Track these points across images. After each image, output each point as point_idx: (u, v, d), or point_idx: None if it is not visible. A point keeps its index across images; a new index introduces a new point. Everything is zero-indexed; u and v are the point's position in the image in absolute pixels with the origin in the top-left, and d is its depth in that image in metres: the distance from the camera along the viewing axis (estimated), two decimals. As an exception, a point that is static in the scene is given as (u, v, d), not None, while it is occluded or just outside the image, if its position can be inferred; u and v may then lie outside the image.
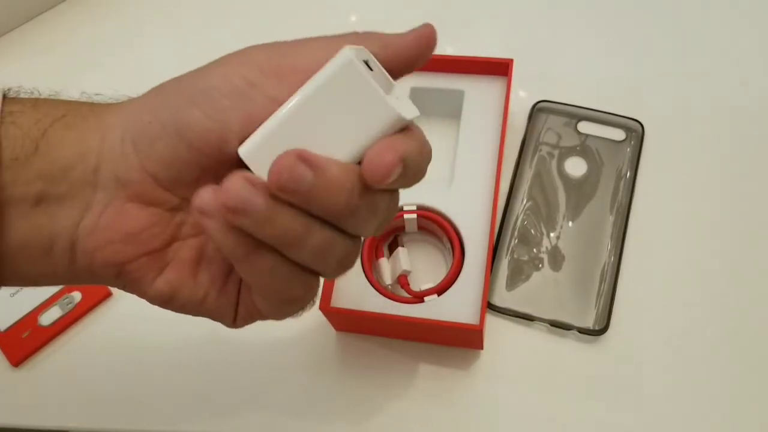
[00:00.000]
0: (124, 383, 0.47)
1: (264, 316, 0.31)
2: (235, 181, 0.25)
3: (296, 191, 0.25)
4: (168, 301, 0.30)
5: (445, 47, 0.57)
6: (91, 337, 0.48)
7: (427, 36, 0.30)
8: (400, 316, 0.43)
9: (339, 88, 0.26)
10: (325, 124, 0.26)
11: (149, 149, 0.28)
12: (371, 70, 0.27)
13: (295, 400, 0.46)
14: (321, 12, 0.60)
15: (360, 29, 0.30)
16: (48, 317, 0.48)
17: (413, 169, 0.27)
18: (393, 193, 0.29)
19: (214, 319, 0.31)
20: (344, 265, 0.30)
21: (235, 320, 0.31)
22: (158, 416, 0.46)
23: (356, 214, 0.27)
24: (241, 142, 0.27)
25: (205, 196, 0.25)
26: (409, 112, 0.28)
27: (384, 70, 0.29)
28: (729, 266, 0.47)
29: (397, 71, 0.30)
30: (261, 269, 0.27)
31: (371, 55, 0.28)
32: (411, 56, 0.29)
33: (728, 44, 0.55)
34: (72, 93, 0.32)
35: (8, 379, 0.47)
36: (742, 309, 0.46)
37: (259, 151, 0.27)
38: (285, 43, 0.29)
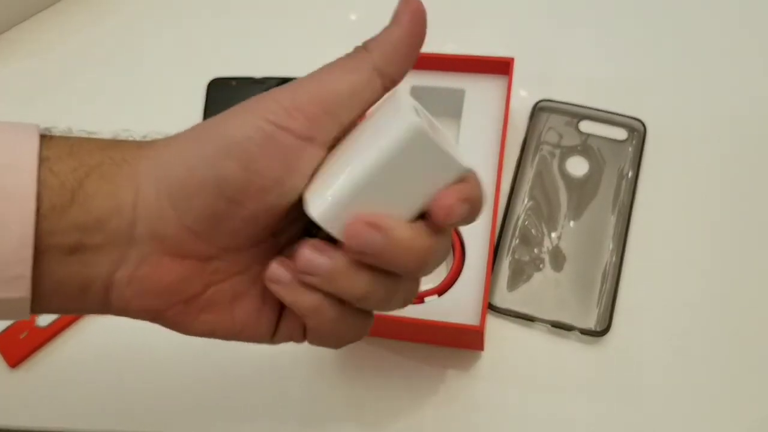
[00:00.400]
0: (122, 384, 0.47)
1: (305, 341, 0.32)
2: (304, 252, 0.28)
3: (367, 254, 0.27)
4: (209, 336, 0.32)
5: (445, 46, 0.56)
6: (89, 337, 0.48)
7: (417, 13, 0.31)
8: (400, 316, 0.43)
9: (408, 155, 0.27)
10: (395, 185, 0.27)
11: (187, 205, 0.28)
12: (423, 118, 0.28)
13: (295, 401, 0.45)
14: (321, 12, 0.60)
15: (360, 37, 0.30)
16: (46, 318, 0.48)
17: (474, 209, 0.29)
18: (449, 236, 0.31)
19: (254, 342, 0.33)
20: (407, 302, 0.31)
21: (273, 338, 0.33)
22: (157, 417, 0.46)
23: (423, 266, 0.28)
24: (280, 188, 0.28)
25: (277, 271, 0.29)
26: (465, 158, 0.29)
27: (427, 113, 0.30)
28: (731, 266, 0.47)
29: (406, 67, 0.31)
30: (328, 319, 0.29)
31: (417, 103, 0.30)
32: (414, 44, 0.31)
33: (730, 44, 0.55)
34: (101, 126, 0.31)
35: (6, 380, 0.47)
36: (743, 309, 0.46)
37: (330, 213, 0.27)
38: (304, 80, 0.29)
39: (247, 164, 0.27)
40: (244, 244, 0.29)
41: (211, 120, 0.29)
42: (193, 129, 0.29)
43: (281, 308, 0.32)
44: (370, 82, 0.29)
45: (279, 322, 0.32)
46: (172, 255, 0.29)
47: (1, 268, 0.26)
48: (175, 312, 0.30)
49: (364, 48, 0.30)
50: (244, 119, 0.28)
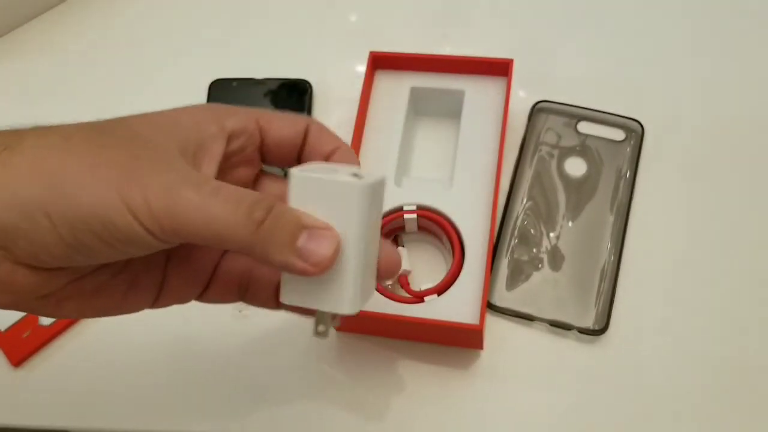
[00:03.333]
0: (124, 383, 0.47)
1: None
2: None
3: None
4: (77, 317, 0.35)
5: (444, 47, 0.57)
6: (92, 337, 0.48)
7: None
8: (400, 316, 0.43)
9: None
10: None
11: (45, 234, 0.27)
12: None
13: (295, 400, 0.46)
14: (321, 12, 0.60)
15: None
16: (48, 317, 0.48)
17: None
18: None
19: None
20: None
21: (153, 306, 0.34)
22: (158, 416, 0.46)
23: None
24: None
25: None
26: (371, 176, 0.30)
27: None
28: (728, 266, 0.47)
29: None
30: None
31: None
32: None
33: (728, 44, 0.55)
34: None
35: (8, 379, 0.47)
36: (742, 309, 0.46)
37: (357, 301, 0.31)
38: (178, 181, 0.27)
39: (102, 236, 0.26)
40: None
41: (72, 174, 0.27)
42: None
43: (162, 281, 0.33)
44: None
45: (207, 289, 0.35)
46: (24, 265, 0.27)
47: None
48: (32, 306, 0.29)
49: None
50: (106, 195, 0.26)
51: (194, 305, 0.49)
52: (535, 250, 0.48)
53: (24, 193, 0.26)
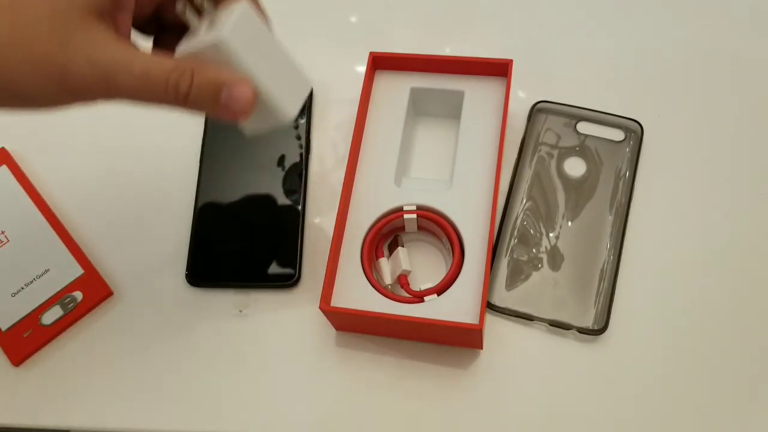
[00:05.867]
0: (124, 383, 0.47)
1: None
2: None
3: None
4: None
5: (444, 48, 0.57)
6: (92, 336, 0.49)
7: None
8: (400, 315, 0.43)
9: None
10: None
11: None
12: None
13: (295, 400, 0.46)
14: (321, 13, 0.60)
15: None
16: (49, 317, 0.48)
17: None
18: None
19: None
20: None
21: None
22: (158, 416, 0.46)
23: None
24: None
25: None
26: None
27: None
28: (728, 265, 0.47)
29: None
30: None
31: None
32: None
33: (727, 45, 0.55)
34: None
35: (9, 378, 0.48)
36: (741, 308, 0.46)
37: None
38: None
39: None
40: None
41: None
42: None
43: None
44: None
45: None
46: None
47: None
48: None
49: None
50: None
51: (194, 305, 0.49)
52: (534, 250, 0.48)
53: None
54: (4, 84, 0.30)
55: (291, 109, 0.36)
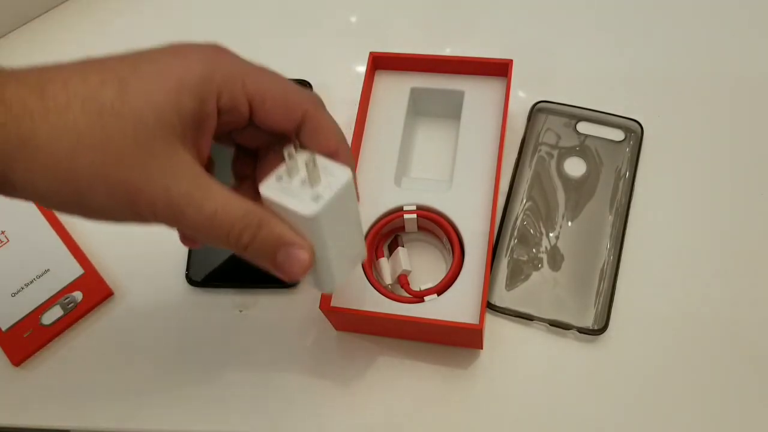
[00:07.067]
0: (124, 383, 0.47)
1: None
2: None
3: None
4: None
5: (444, 48, 0.57)
6: (92, 336, 0.49)
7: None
8: (400, 315, 0.43)
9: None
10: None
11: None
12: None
13: (295, 400, 0.46)
14: (321, 13, 0.60)
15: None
16: (49, 317, 0.48)
17: None
18: None
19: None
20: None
21: None
22: (158, 416, 0.46)
23: None
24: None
25: None
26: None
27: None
28: (728, 265, 0.47)
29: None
30: None
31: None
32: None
33: (728, 45, 0.55)
34: None
35: (9, 378, 0.48)
36: (741, 308, 0.46)
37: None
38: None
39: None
40: None
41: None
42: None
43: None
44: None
45: None
46: None
47: None
48: None
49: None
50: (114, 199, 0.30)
51: (194, 305, 0.49)
52: (534, 250, 0.48)
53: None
54: (75, 197, 0.29)
55: (340, 280, 0.36)
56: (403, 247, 0.48)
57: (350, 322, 0.46)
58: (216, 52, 0.33)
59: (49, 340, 0.48)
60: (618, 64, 0.55)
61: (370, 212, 0.48)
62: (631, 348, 0.45)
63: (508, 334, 0.46)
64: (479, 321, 0.44)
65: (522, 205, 0.49)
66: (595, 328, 0.45)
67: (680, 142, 0.52)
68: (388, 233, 0.49)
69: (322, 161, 0.33)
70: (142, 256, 0.51)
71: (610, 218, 0.48)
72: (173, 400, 0.46)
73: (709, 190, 0.50)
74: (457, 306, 0.45)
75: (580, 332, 0.45)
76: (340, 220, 0.33)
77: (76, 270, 0.50)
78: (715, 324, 0.46)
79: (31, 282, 0.49)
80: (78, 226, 0.52)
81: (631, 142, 0.51)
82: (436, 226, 0.47)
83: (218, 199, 0.30)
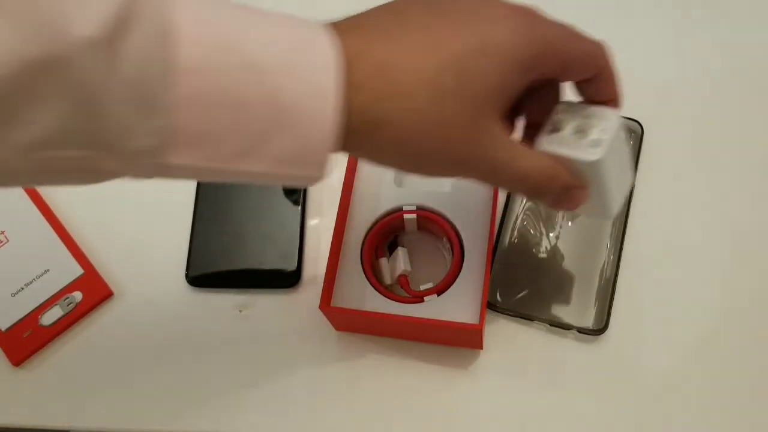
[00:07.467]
0: (124, 383, 0.47)
1: None
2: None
3: None
4: None
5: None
6: (92, 336, 0.49)
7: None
8: (400, 315, 0.43)
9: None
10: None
11: None
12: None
13: (295, 400, 0.46)
14: (321, 10, 0.60)
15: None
16: (49, 317, 0.48)
17: None
18: None
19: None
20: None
21: None
22: (158, 416, 0.46)
23: None
24: None
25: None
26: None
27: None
28: (728, 265, 0.47)
29: None
30: None
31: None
32: None
33: (728, 44, 0.55)
34: None
35: (9, 378, 0.48)
36: (741, 308, 0.46)
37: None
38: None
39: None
40: None
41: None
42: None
43: None
44: None
45: None
46: None
47: (310, 154, 0.30)
48: None
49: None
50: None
51: (194, 305, 0.49)
52: (534, 250, 0.48)
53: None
54: (412, 167, 0.33)
55: (617, 209, 0.39)
56: (403, 247, 0.48)
57: (350, 322, 0.46)
58: (534, 19, 0.34)
59: (49, 340, 0.48)
60: (618, 63, 0.55)
61: (370, 212, 0.48)
62: (631, 348, 0.45)
63: (508, 334, 0.46)
64: (479, 321, 0.44)
65: (522, 205, 0.49)
66: (595, 328, 0.45)
67: (680, 141, 0.52)
68: (388, 233, 0.49)
69: (592, 108, 0.36)
70: (142, 256, 0.51)
71: (610, 218, 0.49)
72: (173, 400, 0.46)
73: (710, 190, 0.50)
74: (457, 306, 0.45)
75: (580, 332, 0.45)
76: (615, 158, 0.36)
77: (75, 270, 0.50)
78: (716, 323, 0.46)
79: (31, 282, 0.49)
80: (78, 226, 0.52)
81: (631, 143, 0.51)
82: (436, 226, 0.47)
83: (526, 159, 0.34)
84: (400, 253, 0.48)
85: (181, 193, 0.52)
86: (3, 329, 0.48)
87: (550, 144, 0.36)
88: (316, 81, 0.29)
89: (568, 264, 0.47)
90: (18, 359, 0.47)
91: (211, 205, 0.51)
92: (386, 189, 0.49)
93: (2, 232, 0.51)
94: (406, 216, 0.47)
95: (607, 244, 0.48)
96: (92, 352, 0.48)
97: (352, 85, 0.30)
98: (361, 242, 0.47)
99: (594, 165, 0.35)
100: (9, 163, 0.26)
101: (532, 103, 0.38)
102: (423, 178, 0.50)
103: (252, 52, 0.28)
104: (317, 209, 0.51)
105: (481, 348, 0.46)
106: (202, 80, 0.27)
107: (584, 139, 0.35)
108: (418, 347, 0.46)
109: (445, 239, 0.48)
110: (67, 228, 0.51)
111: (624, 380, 0.45)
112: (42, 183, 0.29)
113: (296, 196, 0.51)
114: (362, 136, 0.31)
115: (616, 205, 0.39)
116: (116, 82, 0.26)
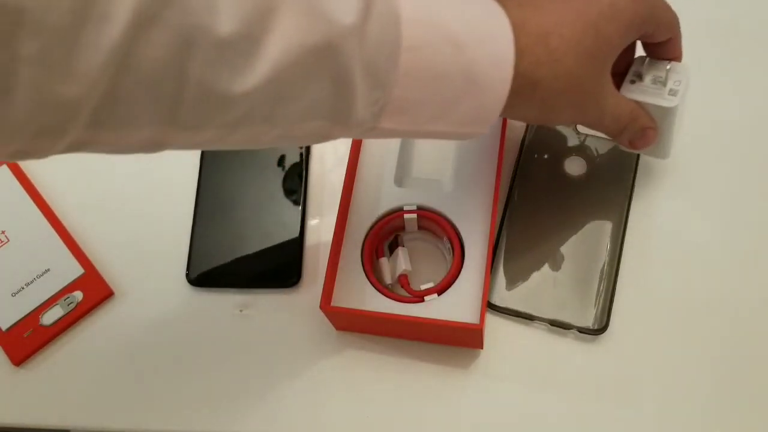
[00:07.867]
0: (124, 383, 0.47)
1: None
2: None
3: None
4: None
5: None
6: (93, 336, 0.49)
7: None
8: (400, 315, 0.43)
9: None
10: None
11: None
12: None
13: (295, 400, 0.46)
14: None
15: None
16: (49, 317, 0.48)
17: None
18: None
19: None
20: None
21: None
22: (158, 416, 0.46)
23: None
24: None
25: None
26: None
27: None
28: (729, 265, 0.47)
29: None
30: None
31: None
32: None
33: (728, 44, 0.55)
34: None
35: (9, 378, 0.48)
36: (741, 307, 0.46)
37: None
38: None
39: None
40: None
41: None
42: None
43: None
44: None
45: None
46: None
47: (485, 114, 0.35)
48: None
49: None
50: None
51: (194, 305, 0.49)
52: (534, 249, 0.48)
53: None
54: (546, 119, 0.40)
55: (671, 151, 0.46)
56: (403, 246, 0.48)
57: (350, 322, 0.46)
58: None
59: (50, 340, 0.48)
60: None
61: (370, 212, 0.48)
62: (631, 348, 0.45)
63: (508, 333, 0.46)
64: (479, 321, 0.44)
65: (522, 205, 0.49)
66: (595, 328, 0.45)
67: (681, 141, 0.51)
68: (388, 233, 0.49)
69: (666, 63, 0.42)
70: (143, 256, 0.51)
71: (611, 218, 0.48)
72: (173, 400, 0.46)
73: (710, 189, 0.50)
74: (457, 306, 0.45)
75: (580, 332, 0.45)
76: (683, 106, 0.43)
77: (76, 270, 0.50)
78: (716, 323, 0.46)
79: (32, 282, 0.49)
80: (79, 225, 0.52)
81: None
82: (436, 226, 0.47)
83: (621, 104, 0.40)
84: (401, 252, 0.48)
85: (182, 193, 0.52)
86: (3, 329, 0.48)
87: (633, 92, 0.42)
88: (499, 51, 0.33)
89: (568, 263, 0.47)
90: (19, 359, 0.48)
91: (212, 204, 0.51)
92: (386, 189, 0.49)
93: (2, 232, 0.51)
94: (406, 216, 0.47)
95: (607, 243, 0.48)
96: (93, 351, 0.48)
97: (517, 52, 0.34)
98: (361, 242, 0.47)
99: (671, 111, 0.41)
100: (268, 134, 0.31)
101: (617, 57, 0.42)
102: (425, 176, 0.50)
103: (454, 28, 0.32)
104: (317, 209, 0.51)
105: (481, 348, 0.46)
106: (417, 56, 0.31)
107: (663, 89, 0.42)
108: (418, 347, 0.46)
109: (445, 239, 0.48)
110: (68, 227, 0.51)
111: (623, 379, 0.45)
112: (268, 146, 0.33)
113: (296, 196, 0.51)
114: (520, 96, 0.35)
115: (673, 147, 0.45)
116: (360, 61, 0.30)
